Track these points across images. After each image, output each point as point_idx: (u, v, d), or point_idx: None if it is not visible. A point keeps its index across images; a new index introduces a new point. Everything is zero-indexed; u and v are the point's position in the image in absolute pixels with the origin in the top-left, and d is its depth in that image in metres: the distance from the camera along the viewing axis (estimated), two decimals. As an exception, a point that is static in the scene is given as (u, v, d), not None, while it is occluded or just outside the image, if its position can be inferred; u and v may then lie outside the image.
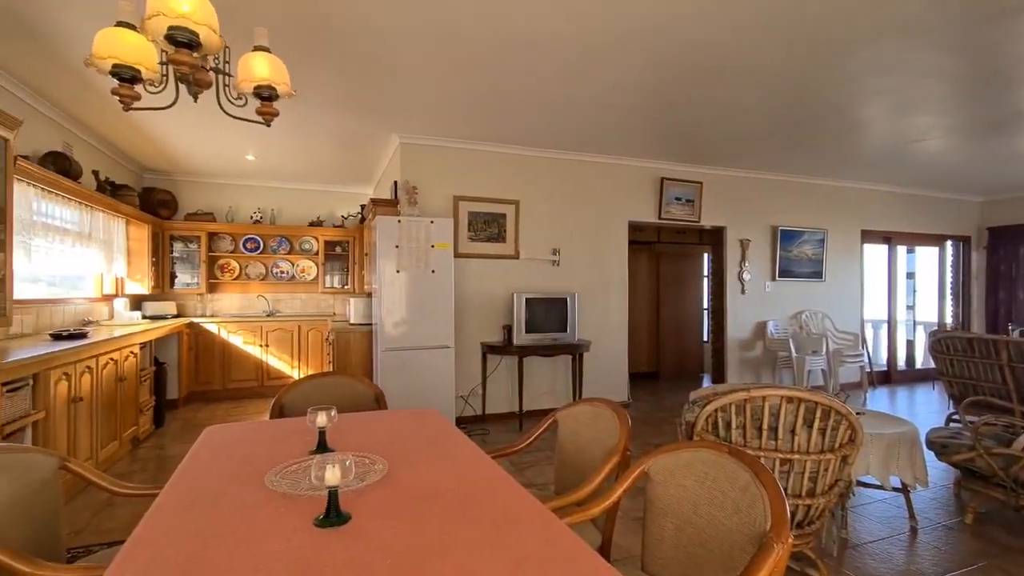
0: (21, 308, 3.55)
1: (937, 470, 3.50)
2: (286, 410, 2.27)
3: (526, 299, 4.76)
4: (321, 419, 1.53)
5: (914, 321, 7.84)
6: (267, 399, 5.80)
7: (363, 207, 6.42)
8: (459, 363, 4.73)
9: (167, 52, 1.53)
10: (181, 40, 1.46)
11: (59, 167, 3.75)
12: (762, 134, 4.73)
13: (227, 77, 1.79)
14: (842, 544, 2.60)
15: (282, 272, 6.61)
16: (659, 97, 3.84)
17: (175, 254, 6.06)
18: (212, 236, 6.24)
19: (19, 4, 2.60)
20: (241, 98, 1.81)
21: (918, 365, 7.64)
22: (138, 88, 1.59)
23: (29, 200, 3.48)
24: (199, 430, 3.97)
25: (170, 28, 1.44)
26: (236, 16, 2.59)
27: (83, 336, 3.48)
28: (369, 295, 5.01)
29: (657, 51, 3.10)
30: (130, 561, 0.98)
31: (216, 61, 1.73)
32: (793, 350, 5.88)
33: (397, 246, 4.26)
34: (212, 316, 6.16)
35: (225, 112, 1.80)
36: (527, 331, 4.74)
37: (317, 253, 6.61)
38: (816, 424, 1.97)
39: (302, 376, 4.36)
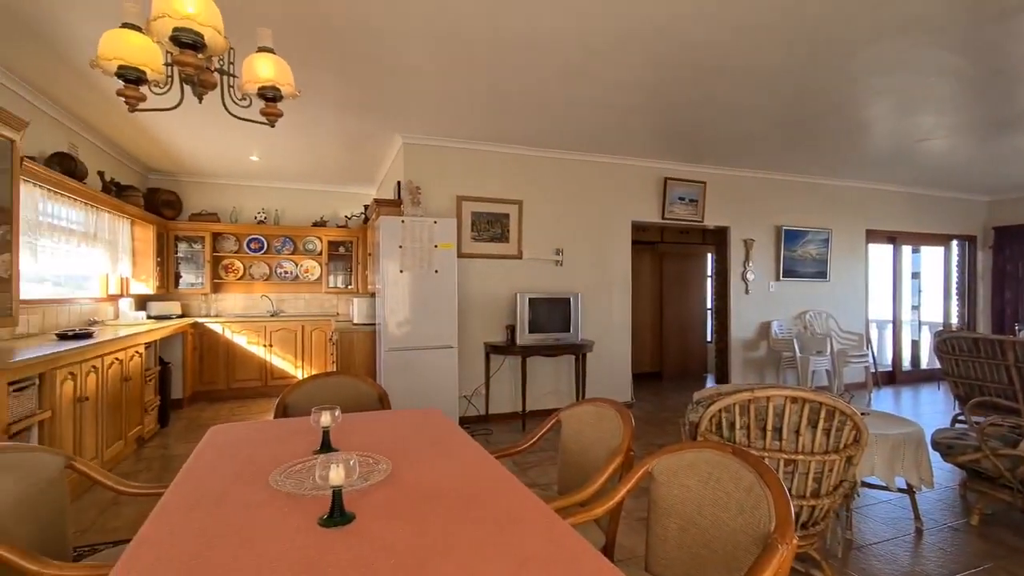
0: (27, 308, 3.58)
1: (943, 471, 3.48)
2: (290, 410, 2.27)
3: (529, 299, 4.76)
4: (325, 419, 1.53)
5: (919, 321, 7.80)
6: (271, 399, 5.82)
7: (366, 207, 6.44)
8: (462, 363, 4.74)
9: (172, 53, 1.54)
10: (186, 41, 1.47)
11: (65, 168, 3.77)
12: (765, 134, 4.72)
13: (231, 78, 1.79)
14: (847, 545, 2.59)
15: (286, 272, 6.63)
16: (662, 97, 3.83)
17: (180, 254, 6.08)
18: (216, 236, 6.27)
19: (26, 6, 2.62)
20: (245, 99, 1.82)
21: (923, 365, 7.61)
22: (143, 89, 1.59)
23: (35, 201, 3.50)
24: (203, 430, 3.99)
25: (175, 29, 1.45)
26: (240, 17, 2.60)
27: (89, 336, 3.50)
28: (372, 295, 5.02)
29: (659, 51, 3.09)
30: (136, 560, 0.98)
31: (221, 62, 1.74)
32: (797, 350, 5.86)
33: (400, 246, 4.26)
34: (216, 316, 6.18)
35: (230, 113, 1.81)
36: (530, 331, 4.74)
37: (321, 253, 6.63)
38: (820, 425, 1.96)
39: (306, 376, 4.37)
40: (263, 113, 1.83)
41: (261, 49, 1.77)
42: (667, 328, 7.46)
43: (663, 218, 5.71)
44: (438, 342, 4.36)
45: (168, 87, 1.66)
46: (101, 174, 4.61)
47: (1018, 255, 7.28)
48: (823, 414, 1.96)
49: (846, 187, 6.67)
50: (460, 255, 4.75)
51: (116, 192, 4.78)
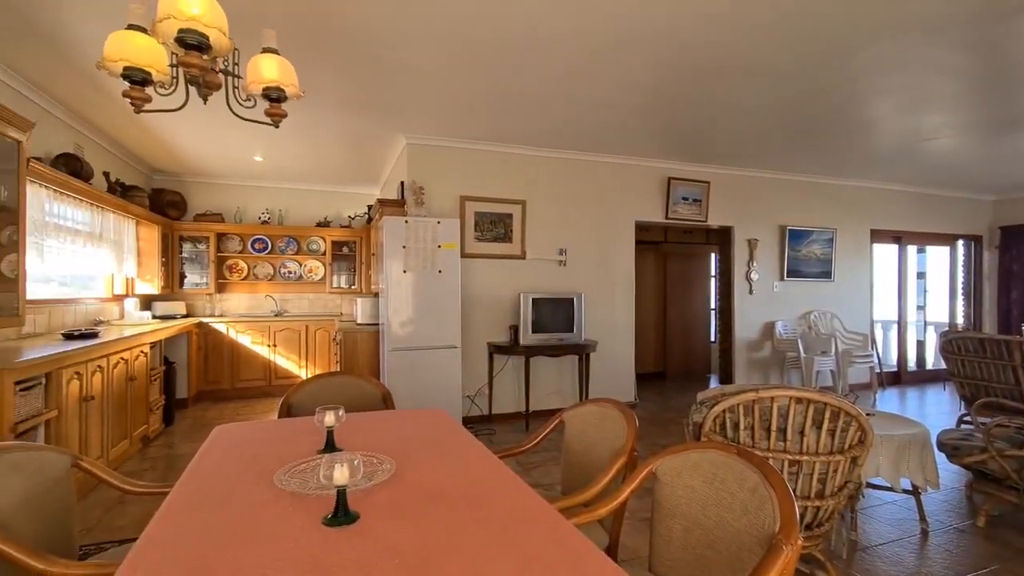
0: (34, 308, 3.60)
1: (948, 472, 3.46)
2: (294, 409, 2.28)
3: (532, 299, 4.75)
4: (329, 418, 1.54)
5: (925, 321, 7.76)
6: (275, 398, 5.84)
7: (370, 207, 6.45)
8: (466, 363, 4.74)
9: (177, 55, 1.54)
10: (191, 43, 1.48)
11: (71, 169, 3.79)
12: (770, 133, 4.70)
13: (236, 79, 1.80)
14: (852, 546, 2.58)
15: (290, 272, 6.65)
16: (665, 97, 3.82)
17: (184, 254, 6.11)
18: (221, 236, 6.29)
19: (32, 8, 2.63)
20: (250, 100, 1.82)
21: (929, 366, 7.56)
22: (149, 90, 1.60)
23: (41, 201, 3.53)
24: (208, 429, 4.01)
25: (180, 31, 1.46)
26: (245, 18, 2.61)
27: (94, 336, 3.52)
28: (376, 295, 5.03)
29: (663, 51, 3.09)
30: (141, 559, 0.99)
31: (225, 63, 1.75)
32: (802, 350, 5.84)
33: (404, 246, 4.27)
34: (221, 316, 6.20)
35: (234, 114, 1.82)
36: (534, 331, 4.74)
37: (324, 253, 6.65)
38: (825, 425, 1.96)
39: (310, 376, 4.39)
40: (267, 114, 1.83)
41: (265, 50, 1.77)
42: (671, 328, 7.45)
43: (667, 218, 5.70)
44: (442, 342, 4.37)
45: (173, 88, 1.67)
46: (107, 175, 4.63)
47: (1025, 255, 7.24)
48: (828, 415, 1.95)
49: (851, 187, 6.64)
50: (463, 255, 4.75)
51: (121, 192, 4.81)
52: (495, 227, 5.01)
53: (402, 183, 4.81)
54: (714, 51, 3.09)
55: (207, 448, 1.65)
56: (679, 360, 7.50)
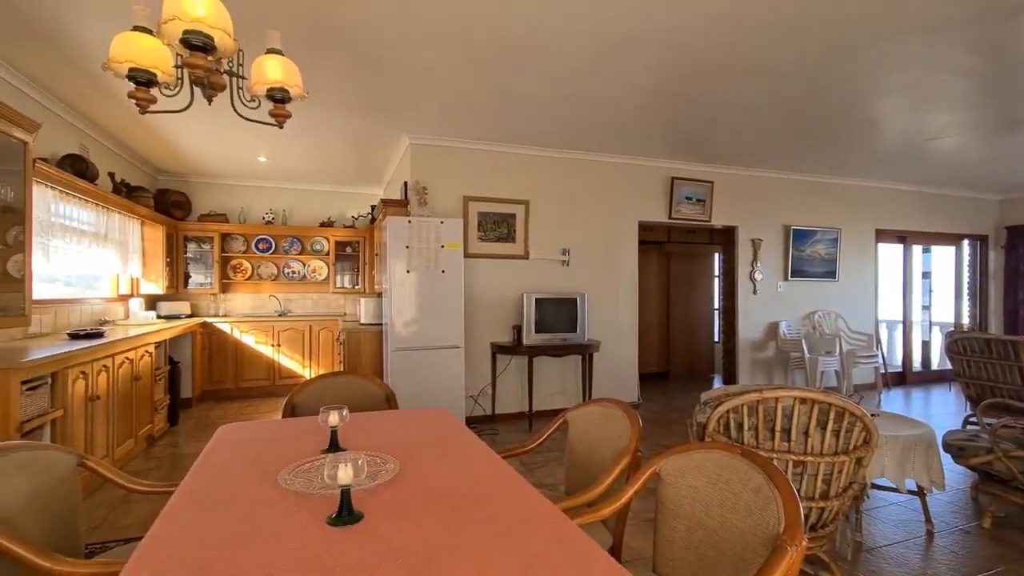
0: (40, 308, 3.62)
1: (954, 473, 3.45)
2: (298, 409, 2.29)
3: (536, 299, 4.75)
4: (333, 418, 1.54)
5: (930, 321, 7.72)
6: (279, 398, 5.85)
7: (373, 208, 6.46)
8: (469, 363, 4.74)
9: (182, 56, 1.55)
10: (196, 44, 1.48)
11: (76, 169, 3.81)
12: (774, 133, 4.69)
13: (241, 80, 1.81)
14: (856, 547, 2.57)
15: (293, 272, 6.67)
16: (669, 97, 3.81)
17: (189, 254, 6.13)
18: (225, 237, 6.31)
19: (39, 10, 2.65)
20: (254, 100, 1.83)
21: (934, 366, 7.52)
22: (154, 91, 1.61)
23: (47, 202, 3.55)
24: (212, 428, 4.02)
25: (185, 32, 1.46)
26: (249, 19, 2.62)
27: (100, 336, 3.54)
28: (379, 295, 5.04)
29: (668, 51, 3.08)
30: (147, 558, 0.99)
31: (230, 64, 1.75)
32: (806, 351, 5.82)
33: (407, 246, 4.27)
34: (225, 316, 6.23)
35: (239, 114, 1.82)
36: (537, 331, 4.74)
37: (328, 253, 6.66)
38: (830, 426, 1.95)
39: (313, 376, 4.40)
40: (271, 114, 1.84)
41: (270, 51, 1.78)
42: (674, 328, 7.44)
43: (670, 218, 5.69)
44: (445, 342, 4.37)
45: (178, 89, 1.68)
46: (112, 175, 4.66)
47: (1031, 255, 7.19)
48: (832, 415, 1.95)
49: (856, 186, 6.61)
50: (467, 255, 4.75)
51: (126, 193, 4.83)
52: (498, 227, 5.01)
53: (405, 183, 4.81)
54: (717, 51, 3.08)
55: (212, 447, 1.66)
56: (682, 360, 7.48)
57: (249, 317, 6.21)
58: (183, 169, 5.97)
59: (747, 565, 1.21)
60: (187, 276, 6.11)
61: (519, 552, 1.01)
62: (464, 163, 4.92)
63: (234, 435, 1.80)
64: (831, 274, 6.50)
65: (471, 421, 4.80)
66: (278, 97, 1.79)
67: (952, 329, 6.47)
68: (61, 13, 2.68)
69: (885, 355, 6.87)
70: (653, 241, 7.12)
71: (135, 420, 3.84)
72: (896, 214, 6.92)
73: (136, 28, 1.55)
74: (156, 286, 5.56)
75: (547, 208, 5.20)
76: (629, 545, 2.50)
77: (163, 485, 1.63)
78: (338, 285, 6.69)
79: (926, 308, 7.75)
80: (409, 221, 4.30)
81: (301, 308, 6.78)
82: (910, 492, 2.82)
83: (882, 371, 6.39)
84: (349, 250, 6.71)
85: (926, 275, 7.76)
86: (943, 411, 5.63)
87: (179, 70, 1.65)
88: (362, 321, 5.12)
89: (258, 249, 6.46)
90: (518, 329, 4.81)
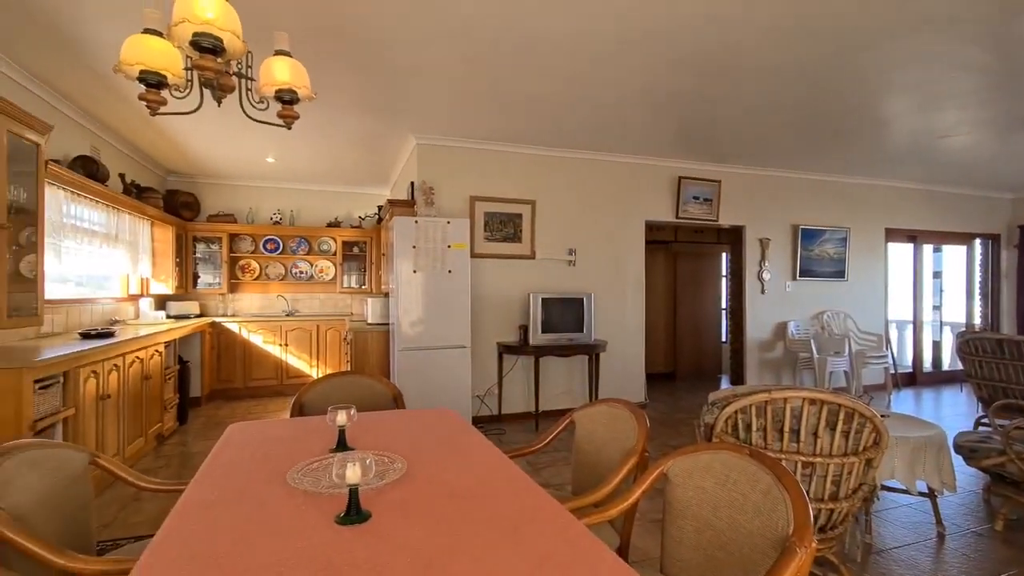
0: (52, 308, 3.66)
1: (966, 475, 3.41)
2: (306, 409, 2.30)
3: (542, 299, 4.75)
4: (341, 418, 1.55)
5: (941, 322, 7.63)
6: (286, 397, 5.89)
7: (380, 208, 6.48)
8: (475, 363, 4.75)
9: (192, 58, 1.56)
10: (206, 46, 1.50)
11: (87, 171, 3.86)
12: (783, 131, 4.65)
13: (249, 81, 1.82)
14: (866, 549, 2.55)
15: (301, 272, 6.71)
16: (676, 96, 3.80)
17: (198, 255, 6.18)
18: (233, 237, 6.36)
19: (52, 14, 2.68)
20: (263, 102, 1.84)
21: (945, 367, 7.44)
22: (164, 93, 1.63)
23: (59, 203, 3.59)
24: (221, 427, 4.06)
25: (195, 34, 1.48)
26: (257, 21, 2.63)
27: (111, 335, 3.58)
28: (386, 295, 5.05)
29: (674, 51, 3.07)
30: (158, 556, 1.00)
31: (239, 66, 1.77)
32: (815, 351, 5.78)
33: (414, 246, 4.29)
34: (233, 316, 6.27)
35: (247, 116, 1.84)
36: (543, 331, 4.73)
37: (335, 253, 6.69)
38: (839, 427, 1.93)
39: (321, 375, 4.42)
40: (280, 116, 1.85)
41: (278, 52, 1.79)
42: (681, 328, 7.41)
43: (677, 217, 5.67)
44: (451, 342, 4.38)
45: (188, 91, 1.69)
46: (122, 176, 4.71)
47: (1044, 254, 7.09)
48: (842, 416, 1.93)
49: (865, 185, 6.55)
50: (473, 255, 4.76)
51: (136, 194, 4.88)
52: (505, 227, 5.02)
53: (412, 183, 4.83)
54: (725, 50, 3.07)
55: (221, 446, 1.67)
56: (690, 360, 7.45)
57: (257, 317, 6.25)
58: (192, 170, 6.02)
59: (756, 567, 1.20)
60: (196, 276, 6.16)
61: (527, 552, 1.01)
62: (471, 163, 4.92)
63: (243, 434, 1.81)
64: (840, 274, 6.45)
65: (477, 421, 4.81)
66: (286, 98, 1.80)
67: (964, 329, 6.41)
68: (73, 17, 2.71)
69: (895, 356, 6.81)
70: (660, 241, 7.09)
71: (145, 419, 3.88)
72: (906, 213, 6.85)
73: (146, 31, 1.57)
74: (166, 286, 5.61)
75: (554, 208, 5.19)
76: (636, 546, 2.49)
77: (173, 483, 1.65)
78: (345, 285, 6.72)
79: (937, 308, 7.67)
80: (416, 221, 4.31)
81: (308, 308, 6.82)
82: (921, 494, 2.79)
83: (892, 372, 6.34)
84: (356, 250, 6.74)
85: (937, 275, 7.67)
86: (954, 412, 5.56)
87: (189, 72, 1.67)
88: (369, 321, 5.14)
89: (266, 249, 6.50)
90: (524, 329, 4.81)
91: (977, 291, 7.59)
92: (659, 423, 4.92)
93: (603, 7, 2.62)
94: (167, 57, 1.57)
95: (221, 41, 1.51)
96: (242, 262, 6.47)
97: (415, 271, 4.29)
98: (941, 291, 7.69)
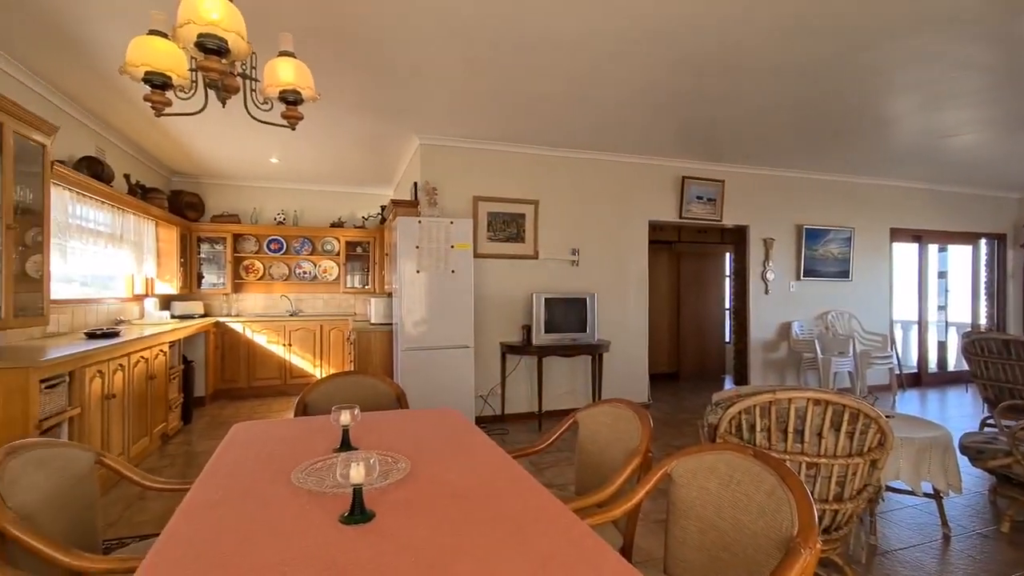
0: (57, 308, 3.69)
1: (971, 476, 3.39)
2: (310, 408, 2.31)
3: (545, 299, 4.75)
4: (345, 417, 1.55)
5: (946, 322, 7.60)
6: (290, 397, 5.91)
7: (383, 208, 6.49)
8: (478, 363, 4.75)
9: (197, 59, 1.57)
10: (211, 47, 1.50)
11: (93, 171, 3.88)
12: (786, 131, 4.64)
13: (254, 82, 1.82)
14: (871, 550, 2.54)
15: (304, 272, 6.72)
16: (680, 96, 3.79)
17: (202, 255, 6.21)
18: (237, 237, 6.38)
19: (58, 16, 2.70)
20: (267, 103, 1.85)
21: (950, 367, 7.40)
22: (169, 94, 1.63)
23: (65, 203, 3.61)
24: (225, 427, 4.06)
25: (200, 35, 1.48)
26: (262, 22, 2.64)
27: (116, 335, 3.59)
28: (389, 295, 5.06)
29: (678, 51, 3.06)
30: (164, 555, 1.01)
31: (244, 67, 1.77)
32: (819, 351, 5.76)
33: (417, 246, 4.29)
34: (237, 316, 6.29)
35: (252, 116, 1.84)
36: (546, 331, 4.73)
37: (339, 254, 6.71)
38: (844, 427, 1.93)
39: (324, 375, 4.43)
40: (284, 116, 1.86)
41: (282, 53, 1.80)
42: (684, 328, 7.39)
43: (681, 217, 5.66)
44: (454, 342, 4.38)
45: (193, 92, 1.70)
46: (127, 177, 4.73)
47: (1051, 254, 7.05)
48: (847, 417, 1.92)
49: (870, 185, 6.52)
50: (476, 255, 4.76)
51: (141, 194, 4.90)
52: (508, 227, 5.02)
53: (415, 183, 4.83)
54: (728, 50, 3.06)
55: (225, 446, 1.68)
56: (693, 361, 7.44)
57: (261, 317, 6.27)
58: (196, 171, 6.04)
59: (760, 568, 1.20)
60: (200, 276, 6.19)
61: (530, 552, 1.01)
62: (474, 163, 4.92)
63: (247, 434, 1.82)
64: (844, 274, 6.43)
65: (481, 421, 4.81)
66: (290, 99, 1.81)
67: (969, 329, 6.37)
68: (77, 17, 2.72)
69: (900, 356, 6.77)
70: (663, 241, 7.08)
71: (150, 418, 3.90)
72: (911, 213, 6.82)
73: (152, 32, 1.58)
74: (170, 286, 5.64)
75: (557, 208, 5.19)
76: (640, 546, 2.49)
77: (178, 482, 1.66)
78: (348, 285, 6.74)
79: (942, 308, 7.63)
80: (419, 221, 4.32)
81: (312, 308, 6.84)
82: (926, 495, 2.77)
83: (897, 372, 6.30)
84: (359, 250, 6.75)
85: (942, 275, 7.64)
86: (960, 413, 5.53)
87: (194, 73, 1.67)
88: (372, 321, 5.15)
89: (270, 249, 6.52)
90: (528, 329, 4.81)
91: (983, 291, 7.55)
92: (662, 423, 4.91)
93: (604, 7, 2.62)
94: (172, 58, 1.58)
95: (226, 42, 1.52)
96: (246, 262, 6.49)
97: (418, 271, 4.30)
98: (946, 291, 7.66)
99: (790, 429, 1.97)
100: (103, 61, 3.19)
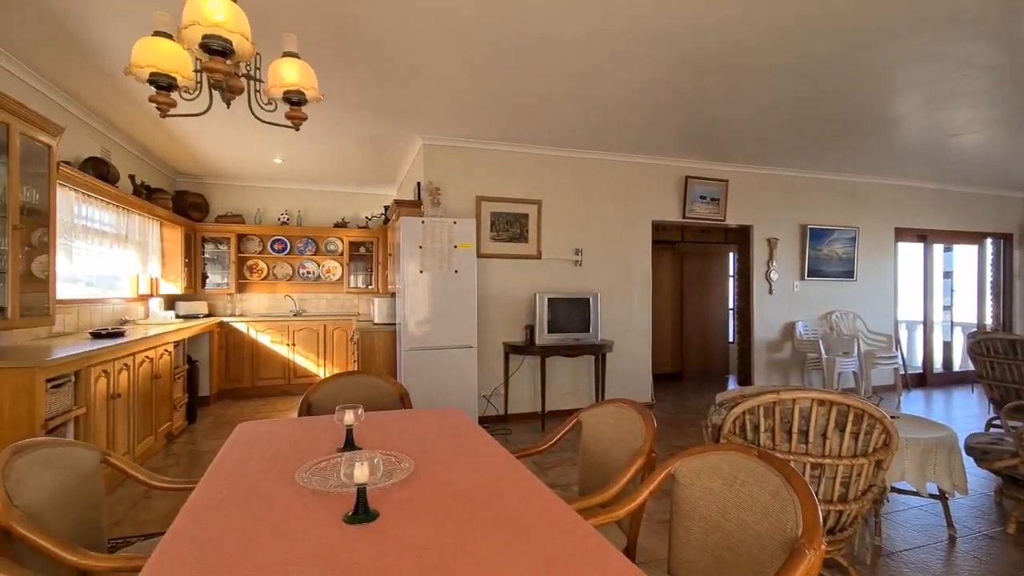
0: (63, 308, 3.70)
1: (977, 477, 3.37)
2: (313, 408, 2.31)
3: (548, 299, 4.75)
4: (348, 417, 1.56)
5: (951, 322, 7.56)
6: (294, 396, 5.92)
7: (387, 208, 6.50)
8: (482, 363, 4.75)
9: (201, 60, 1.58)
10: (215, 48, 1.51)
11: (98, 172, 3.90)
12: (790, 131, 4.62)
13: (258, 83, 1.83)
14: (875, 552, 2.53)
15: (308, 272, 6.74)
16: (683, 96, 3.78)
17: (206, 255, 6.23)
18: (241, 237, 6.41)
19: (63, 17, 2.71)
20: (271, 103, 1.85)
21: (956, 368, 7.37)
22: (174, 95, 1.64)
23: (70, 204, 3.63)
24: (230, 426, 4.09)
25: (204, 37, 1.49)
26: (266, 23, 2.65)
27: (121, 335, 3.61)
28: (393, 295, 5.07)
29: (681, 50, 3.06)
30: (169, 554, 1.01)
31: (248, 68, 1.78)
32: (823, 351, 5.74)
33: (420, 247, 4.30)
34: (241, 315, 6.32)
35: (256, 117, 1.85)
36: (549, 331, 4.73)
37: (342, 254, 6.72)
38: (848, 428, 1.92)
39: (328, 375, 4.44)
40: (288, 117, 1.86)
41: (286, 54, 1.80)
42: (688, 328, 7.38)
43: (684, 217, 5.65)
44: (458, 342, 4.39)
45: (197, 93, 1.70)
46: (132, 177, 4.75)
47: (1057, 253, 7.00)
48: (851, 417, 1.91)
49: (874, 184, 6.49)
50: (479, 255, 4.76)
51: (146, 195, 4.92)
52: (511, 227, 5.02)
53: (419, 184, 4.84)
54: (731, 49, 3.05)
55: (230, 445, 1.69)
56: (696, 361, 7.42)
57: (265, 317, 6.29)
58: (201, 171, 6.07)
59: (764, 569, 1.19)
60: (204, 276, 6.21)
61: (534, 552, 1.01)
62: (477, 163, 4.93)
63: (251, 433, 1.83)
64: (849, 274, 6.40)
65: (484, 421, 4.81)
66: (294, 100, 1.81)
67: (975, 330, 6.33)
68: (81, 17, 2.74)
69: (905, 356, 6.74)
70: (667, 241, 7.07)
71: (155, 418, 3.92)
72: (916, 212, 6.79)
73: (156, 33, 1.58)
74: (175, 286, 5.66)
75: (560, 208, 5.19)
76: (643, 546, 2.49)
77: (182, 481, 1.66)
78: (352, 285, 6.75)
79: (947, 308, 7.59)
80: (422, 221, 4.32)
81: (316, 308, 6.86)
82: (931, 496, 2.76)
83: (902, 372, 6.28)
84: (363, 250, 6.77)
85: (947, 274, 7.60)
86: (965, 413, 5.50)
87: (198, 74, 1.68)
88: (376, 321, 5.15)
89: (273, 250, 6.54)
90: (531, 329, 4.81)
91: (989, 291, 7.50)
92: (666, 423, 4.90)
93: (604, 7, 2.62)
94: (177, 59, 1.58)
95: (230, 43, 1.52)
96: (250, 262, 6.51)
97: (422, 271, 4.30)
98: (952, 291, 7.62)
99: (794, 429, 1.96)
100: (108, 62, 3.21)
